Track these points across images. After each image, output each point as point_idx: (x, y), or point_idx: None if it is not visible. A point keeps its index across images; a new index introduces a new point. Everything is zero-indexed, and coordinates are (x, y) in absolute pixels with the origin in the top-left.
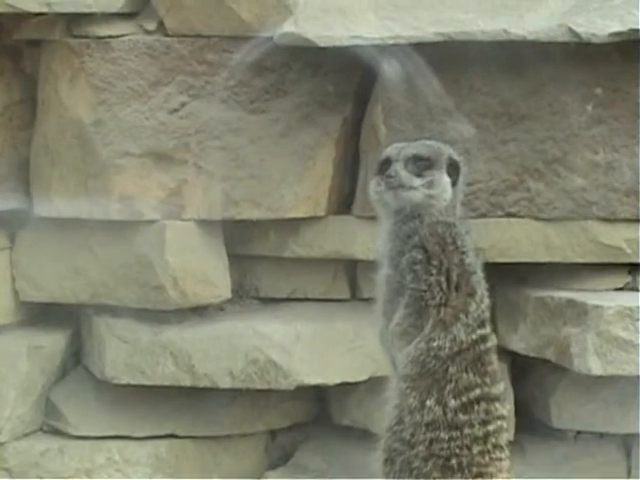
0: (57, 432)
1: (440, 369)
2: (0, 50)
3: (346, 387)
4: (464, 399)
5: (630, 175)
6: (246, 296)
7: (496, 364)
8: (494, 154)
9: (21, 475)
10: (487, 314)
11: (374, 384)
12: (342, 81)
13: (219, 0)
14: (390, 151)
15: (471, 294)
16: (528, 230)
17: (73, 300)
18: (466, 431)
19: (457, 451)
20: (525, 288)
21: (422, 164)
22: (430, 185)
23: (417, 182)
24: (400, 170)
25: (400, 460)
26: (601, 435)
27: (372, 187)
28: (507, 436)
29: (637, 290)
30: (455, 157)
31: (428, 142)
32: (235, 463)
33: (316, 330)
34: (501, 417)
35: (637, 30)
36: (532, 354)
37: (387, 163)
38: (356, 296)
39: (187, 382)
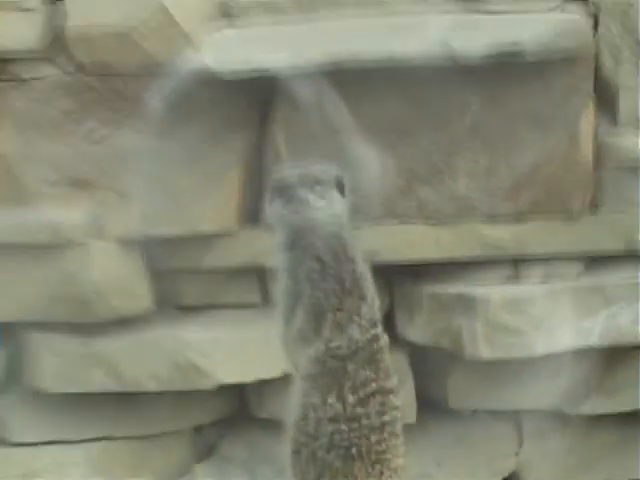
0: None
1: (339, 367)
2: None
3: (263, 383)
4: (361, 394)
5: (507, 177)
6: (168, 306)
7: (388, 360)
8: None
9: None
10: (378, 315)
11: (287, 380)
12: (247, 107)
13: (125, 35)
14: (289, 175)
15: (363, 298)
16: (419, 232)
17: (6, 318)
18: (364, 422)
19: (357, 441)
20: (419, 284)
21: (321, 186)
22: (330, 204)
23: (320, 204)
24: (306, 195)
25: (305, 452)
26: (494, 412)
27: (275, 210)
28: (401, 424)
29: (519, 280)
30: (341, 175)
31: (320, 164)
32: (165, 460)
33: (233, 334)
34: (395, 408)
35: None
36: (429, 344)
37: (288, 187)
38: (267, 302)
39: (116, 388)
